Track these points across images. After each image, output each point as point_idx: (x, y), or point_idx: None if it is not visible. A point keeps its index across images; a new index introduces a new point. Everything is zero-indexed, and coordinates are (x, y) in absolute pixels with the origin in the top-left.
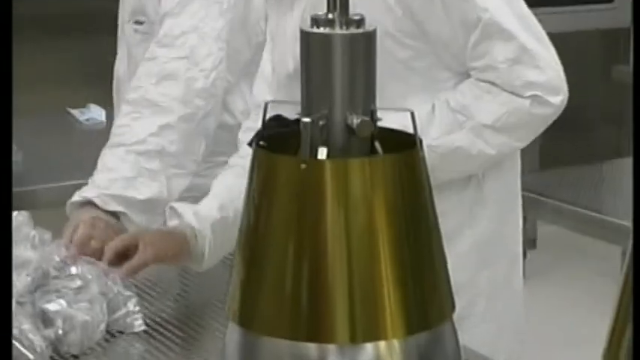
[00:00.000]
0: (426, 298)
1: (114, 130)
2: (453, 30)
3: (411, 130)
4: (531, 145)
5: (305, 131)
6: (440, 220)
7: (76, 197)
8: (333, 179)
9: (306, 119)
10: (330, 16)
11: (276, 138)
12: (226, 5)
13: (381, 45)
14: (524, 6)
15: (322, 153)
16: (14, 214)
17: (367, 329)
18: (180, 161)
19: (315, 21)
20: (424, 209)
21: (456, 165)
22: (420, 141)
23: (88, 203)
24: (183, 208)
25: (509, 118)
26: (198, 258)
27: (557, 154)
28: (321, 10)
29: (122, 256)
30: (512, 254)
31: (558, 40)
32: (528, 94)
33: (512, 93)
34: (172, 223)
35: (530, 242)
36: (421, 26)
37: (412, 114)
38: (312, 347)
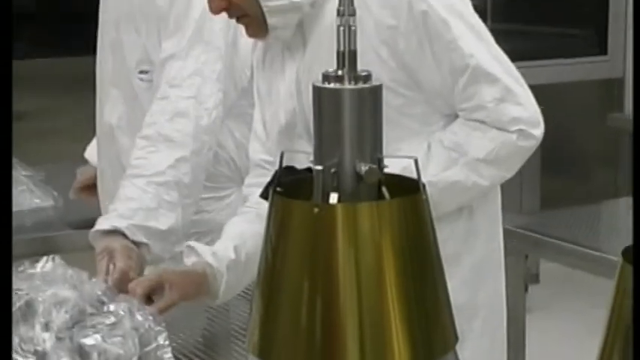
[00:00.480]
0: (431, 331)
1: (131, 162)
2: (443, 77)
3: (411, 172)
4: (532, 187)
5: (317, 178)
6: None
7: (104, 225)
8: (344, 222)
9: (319, 167)
10: (340, 72)
11: (291, 185)
12: (223, 51)
13: None
14: (501, 51)
15: (333, 198)
16: (49, 257)
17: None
18: (191, 192)
19: (326, 77)
20: (428, 248)
21: (454, 197)
22: (424, 185)
23: (115, 232)
24: (202, 248)
25: (500, 151)
26: (215, 294)
27: (556, 196)
28: (316, 69)
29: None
30: (499, 277)
31: (559, 89)
32: (514, 128)
33: (500, 129)
34: (190, 260)
35: (533, 277)
36: (413, 76)
37: (416, 161)
38: None
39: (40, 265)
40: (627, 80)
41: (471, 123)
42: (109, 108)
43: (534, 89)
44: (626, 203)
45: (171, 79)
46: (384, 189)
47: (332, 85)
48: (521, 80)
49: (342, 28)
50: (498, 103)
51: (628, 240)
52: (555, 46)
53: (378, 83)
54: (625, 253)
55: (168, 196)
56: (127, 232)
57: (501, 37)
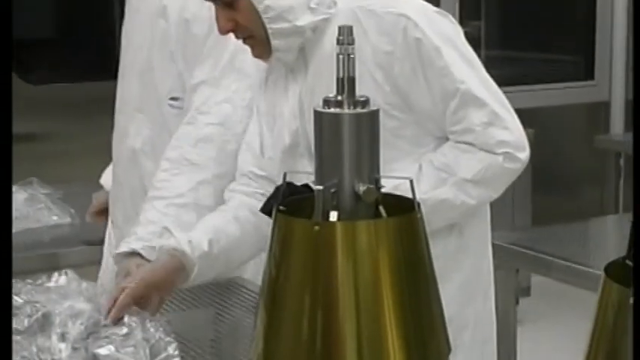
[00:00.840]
0: (426, 342)
1: (154, 184)
2: (434, 100)
3: (402, 191)
4: (524, 204)
5: (318, 197)
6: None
7: (123, 248)
8: (343, 239)
9: (319, 187)
10: (339, 98)
11: (293, 204)
12: (253, 79)
13: None
14: (489, 77)
15: (333, 216)
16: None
17: None
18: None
19: (327, 102)
20: (422, 264)
21: (443, 215)
22: (419, 204)
23: (134, 254)
24: (179, 236)
25: (486, 172)
26: (185, 280)
27: (547, 213)
28: (318, 92)
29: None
30: (488, 292)
31: (549, 112)
32: (501, 151)
33: (488, 151)
34: (167, 243)
35: (524, 291)
36: (407, 99)
37: (411, 182)
38: None
39: (54, 279)
40: (613, 103)
41: (460, 145)
42: (133, 132)
43: (526, 112)
44: (612, 220)
45: (200, 104)
46: (381, 208)
47: (332, 110)
48: (508, 105)
49: (341, 56)
50: (486, 127)
51: (614, 255)
52: (546, 72)
53: (375, 108)
54: (607, 268)
55: (187, 217)
56: (144, 253)
57: (495, 64)
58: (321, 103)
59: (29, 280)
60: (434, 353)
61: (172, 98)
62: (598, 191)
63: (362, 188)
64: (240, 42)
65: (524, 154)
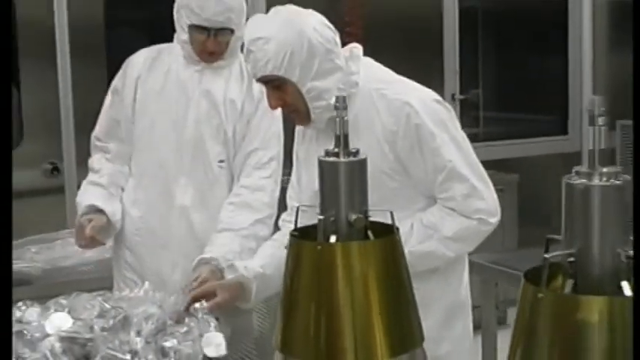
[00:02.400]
0: (405, 333)
1: (221, 219)
2: (427, 172)
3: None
4: (512, 229)
5: (320, 225)
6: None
7: (204, 255)
8: (341, 256)
9: (321, 217)
10: (337, 150)
11: (304, 230)
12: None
13: (379, 178)
14: (474, 155)
15: (332, 239)
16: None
17: (364, 355)
18: (262, 242)
19: (327, 153)
20: (401, 274)
21: (427, 263)
22: (397, 229)
23: (207, 263)
24: (238, 264)
25: (464, 232)
26: (248, 299)
27: (531, 238)
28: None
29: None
30: (464, 311)
31: (532, 160)
32: (476, 217)
33: (466, 216)
34: (231, 274)
35: (512, 301)
36: (405, 168)
37: (391, 213)
38: None
39: (135, 290)
40: (583, 154)
41: (445, 209)
42: (180, 192)
43: (514, 160)
44: None
45: (255, 164)
46: (369, 232)
47: (331, 159)
48: (487, 179)
49: (337, 119)
50: (465, 198)
51: None
52: (529, 129)
53: (364, 157)
54: (526, 274)
55: (248, 245)
56: (219, 262)
57: (490, 122)
58: (325, 155)
59: (117, 293)
60: (410, 340)
61: (220, 161)
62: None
63: (354, 217)
64: (278, 112)
65: (495, 219)
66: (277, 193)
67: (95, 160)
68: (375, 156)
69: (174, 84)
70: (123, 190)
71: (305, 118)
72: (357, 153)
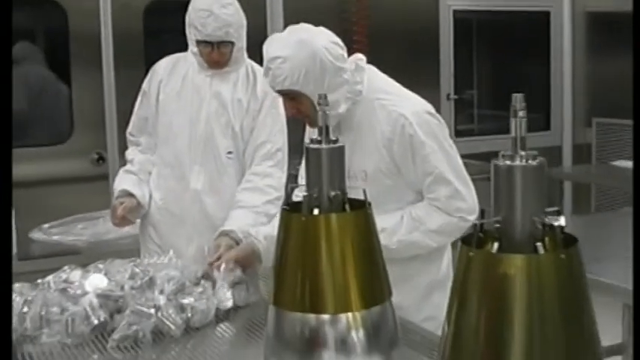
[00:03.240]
0: (375, 288)
1: (237, 200)
2: (417, 175)
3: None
4: None
5: (305, 200)
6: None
7: (225, 228)
8: (322, 226)
9: (306, 194)
10: (319, 138)
11: (294, 205)
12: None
13: (377, 176)
14: (459, 161)
15: (316, 211)
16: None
17: (342, 306)
18: (273, 218)
19: (312, 141)
20: (372, 238)
21: (412, 251)
22: (370, 204)
23: (226, 234)
24: (252, 230)
25: (446, 227)
26: (259, 259)
27: None
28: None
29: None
30: (446, 290)
31: None
32: (457, 215)
33: (448, 214)
34: (249, 241)
35: None
36: (399, 170)
37: (364, 190)
38: (312, 317)
39: (161, 258)
40: (564, 147)
41: (431, 206)
42: (194, 179)
43: None
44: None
45: (264, 154)
46: (347, 206)
47: (315, 146)
48: (469, 182)
49: (320, 112)
50: (449, 199)
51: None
52: None
53: (341, 144)
54: (463, 240)
55: (260, 220)
56: (236, 235)
57: (484, 119)
58: (307, 141)
59: (145, 260)
60: (379, 295)
61: (229, 152)
62: (549, 203)
63: (333, 194)
64: (281, 110)
65: (474, 216)
66: (284, 179)
67: (129, 152)
68: (374, 157)
69: (189, 87)
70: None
71: (315, 122)
72: (336, 141)
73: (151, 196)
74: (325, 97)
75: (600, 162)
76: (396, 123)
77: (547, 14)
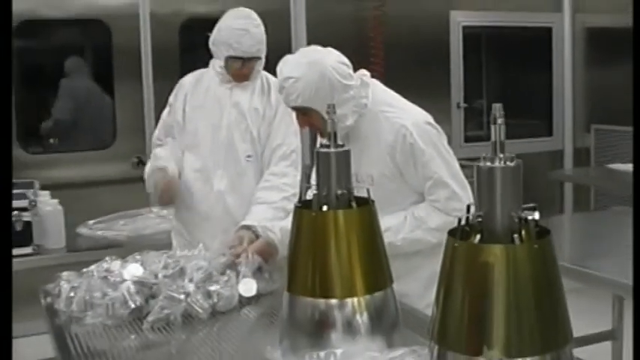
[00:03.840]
0: (377, 276)
1: (256, 196)
2: (418, 179)
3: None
4: None
5: (315, 198)
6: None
7: (245, 222)
8: (330, 221)
9: (316, 192)
10: (328, 142)
11: (305, 202)
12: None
13: (382, 180)
14: (457, 166)
15: (324, 208)
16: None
17: (348, 292)
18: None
19: (322, 146)
20: (375, 231)
21: (415, 247)
22: (373, 201)
23: (248, 228)
24: (268, 224)
25: (445, 226)
26: (277, 250)
27: None
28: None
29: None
30: None
31: (524, 156)
32: (455, 214)
33: (447, 214)
34: (266, 234)
35: None
36: (402, 175)
37: (368, 190)
38: (321, 301)
39: (192, 251)
40: (565, 151)
41: (431, 207)
42: (217, 181)
43: None
44: (557, 219)
45: (280, 156)
46: (353, 203)
47: (325, 150)
48: (466, 185)
49: (329, 121)
50: (447, 200)
51: (572, 245)
52: (523, 131)
53: (347, 149)
54: (449, 232)
55: (279, 215)
56: (257, 229)
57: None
58: (318, 145)
59: (178, 252)
60: (382, 281)
61: (248, 156)
62: (554, 209)
63: (340, 192)
64: (293, 116)
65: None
66: (298, 177)
67: (158, 150)
68: (379, 163)
69: (211, 99)
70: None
71: (325, 133)
72: (343, 146)
73: (180, 199)
74: (333, 106)
75: (598, 165)
76: (398, 133)
77: (549, 30)
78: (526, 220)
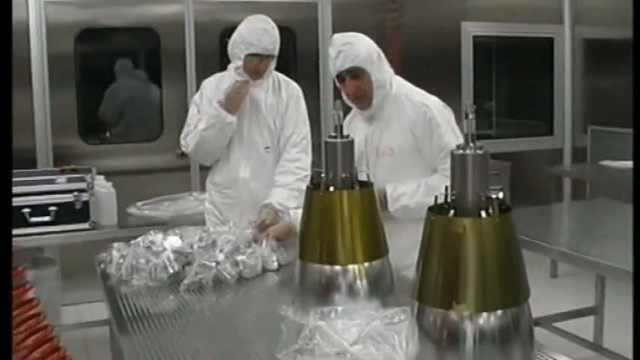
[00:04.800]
0: (375, 247)
1: (275, 179)
2: (433, 151)
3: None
4: (504, 191)
5: (323, 180)
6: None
7: (267, 201)
8: (336, 200)
9: (324, 175)
10: (335, 134)
11: (316, 184)
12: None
13: (401, 153)
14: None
15: (331, 189)
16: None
17: (350, 260)
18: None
19: (330, 137)
20: (374, 209)
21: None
22: (372, 184)
23: (269, 207)
24: (290, 211)
25: None
26: (295, 232)
27: (519, 198)
28: (377, 134)
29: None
30: None
31: (528, 153)
32: None
33: None
34: (282, 216)
35: None
36: (420, 148)
37: (368, 175)
38: (327, 267)
39: (223, 227)
40: (564, 149)
41: (443, 176)
42: (242, 170)
43: (517, 154)
44: (556, 208)
45: (292, 144)
46: (355, 186)
47: (332, 140)
48: None
49: (334, 115)
50: None
51: (573, 231)
52: (527, 130)
53: (352, 139)
54: (429, 208)
55: (293, 194)
56: (276, 207)
57: (501, 126)
58: (328, 138)
59: (211, 228)
60: (378, 250)
61: (266, 148)
62: (549, 195)
63: (344, 176)
64: (303, 108)
65: None
66: (310, 160)
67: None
68: (400, 137)
69: None
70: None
71: (368, 103)
72: (348, 136)
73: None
74: (339, 102)
75: (594, 162)
76: (419, 110)
77: (551, 40)
78: (491, 198)
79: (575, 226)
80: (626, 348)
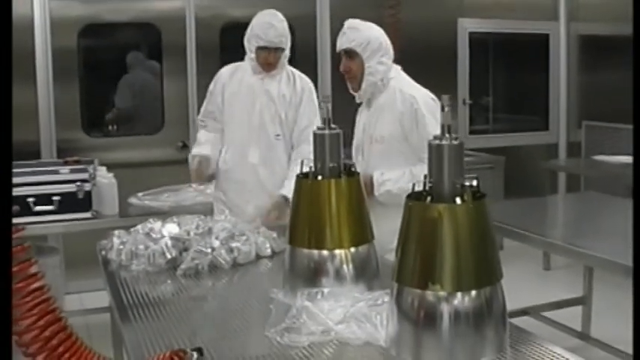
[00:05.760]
0: (361, 232)
1: (289, 169)
2: (419, 140)
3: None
4: (498, 184)
5: (312, 170)
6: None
7: (280, 192)
8: (323, 188)
9: (312, 165)
10: (323, 126)
11: (305, 174)
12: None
13: (390, 141)
14: None
15: (319, 178)
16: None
17: (337, 245)
18: None
19: (318, 128)
20: (360, 197)
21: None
22: (358, 173)
23: (282, 196)
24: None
25: None
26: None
27: (514, 192)
28: (374, 121)
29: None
30: None
31: (525, 148)
32: None
33: None
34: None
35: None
36: (407, 137)
37: (354, 164)
38: (315, 252)
39: (221, 216)
40: (559, 144)
41: (425, 166)
42: (251, 155)
43: (514, 149)
44: (551, 201)
45: (306, 136)
46: (342, 175)
47: (320, 132)
48: None
49: (323, 108)
50: None
51: (565, 224)
52: (523, 125)
53: (339, 131)
54: (408, 196)
55: None
56: (287, 195)
57: (498, 121)
58: (315, 129)
59: (209, 217)
60: (364, 236)
61: (277, 135)
62: (543, 187)
63: (332, 165)
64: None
65: None
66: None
67: (200, 135)
68: (390, 127)
69: (245, 87)
70: (219, 152)
71: (357, 86)
72: (334, 129)
73: (218, 169)
74: (328, 97)
75: (588, 157)
76: (407, 102)
77: (547, 36)
78: (464, 185)
79: (566, 219)
80: (613, 337)
